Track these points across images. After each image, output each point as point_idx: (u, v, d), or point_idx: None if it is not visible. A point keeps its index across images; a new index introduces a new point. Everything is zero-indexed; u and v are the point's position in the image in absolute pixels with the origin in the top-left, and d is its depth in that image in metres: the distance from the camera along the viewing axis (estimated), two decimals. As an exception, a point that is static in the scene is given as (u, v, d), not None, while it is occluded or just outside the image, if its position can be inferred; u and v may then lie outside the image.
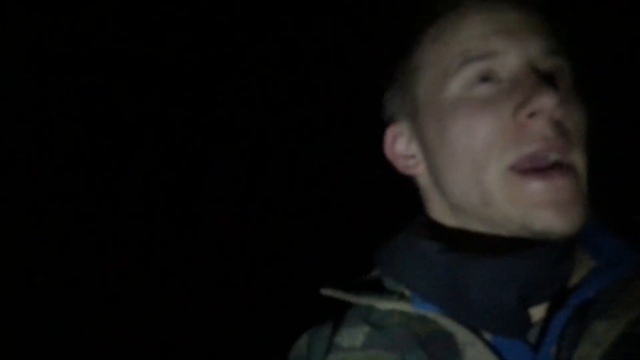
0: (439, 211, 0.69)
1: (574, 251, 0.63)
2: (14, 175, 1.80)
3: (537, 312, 0.61)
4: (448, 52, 0.64)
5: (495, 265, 0.59)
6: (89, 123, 1.87)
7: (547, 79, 0.60)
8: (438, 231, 0.68)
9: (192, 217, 1.83)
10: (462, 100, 0.62)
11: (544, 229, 0.58)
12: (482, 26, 0.63)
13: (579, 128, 0.60)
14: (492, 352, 0.57)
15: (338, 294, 0.69)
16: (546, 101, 0.57)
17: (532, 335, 0.59)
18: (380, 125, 0.76)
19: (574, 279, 0.61)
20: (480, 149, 0.60)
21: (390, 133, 0.73)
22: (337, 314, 0.73)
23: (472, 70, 0.62)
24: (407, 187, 0.74)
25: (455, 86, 0.63)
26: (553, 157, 0.58)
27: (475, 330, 0.60)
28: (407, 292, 0.66)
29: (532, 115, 0.59)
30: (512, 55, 0.61)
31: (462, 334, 0.59)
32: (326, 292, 0.70)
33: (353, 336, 0.67)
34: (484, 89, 0.61)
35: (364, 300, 0.67)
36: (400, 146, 0.72)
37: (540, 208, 0.58)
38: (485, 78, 0.62)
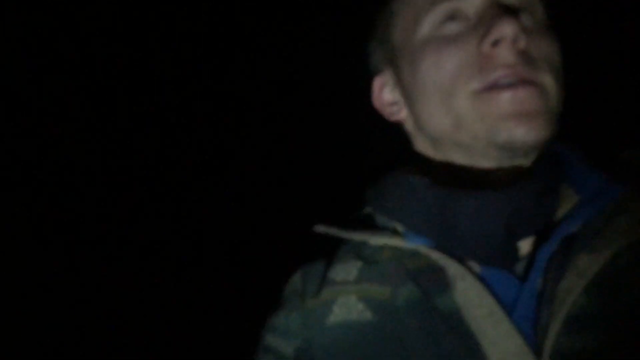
0: (425, 150, 0.72)
1: (558, 185, 0.65)
2: (14, 175, 1.77)
3: (524, 246, 0.63)
4: None
5: (482, 197, 0.61)
6: (89, 122, 1.83)
7: (509, 10, 0.62)
8: (426, 168, 0.70)
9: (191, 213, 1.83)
10: (431, 38, 0.65)
11: (506, 140, 0.61)
12: None
13: (548, 57, 0.63)
14: (481, 284, 0.59)
15: (332, 231, 0.71)
16: (505, 28, 0.60)
17: (520, 268, 0.62)
18: (367, 78, 0.79)
19: (559, 213, 0.63)
20: (448, 80, 0.63)
21: (376, 83, 0.76)
22: (329, 250, 0.75)
23: (440, 11, 0.65)
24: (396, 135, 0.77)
25: (426, 27, 0.66)
26: (515, 80, 0.61)
27: (465, 264, 0.62)
28: (400, 228, 0.68)
29: (495, 44, 0.61)
30: None
31: (452, 268, 0.61)
32: (320, 229, 0.72)
33: (346, 271, 0.69)
34: (452, 27, 0.64)
35: (357, 236, 0.69)
36: (386, 95, 0.75)
37: (504, 119, 0.60)
38: (452, 17, 0.64)
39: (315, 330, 0.67)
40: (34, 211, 1.80)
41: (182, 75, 1.74)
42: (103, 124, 1.82)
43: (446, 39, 0.64)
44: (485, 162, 0.65)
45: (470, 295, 0.59)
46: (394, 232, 0.68)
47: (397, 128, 0.77)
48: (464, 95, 0.63)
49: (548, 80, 0.62)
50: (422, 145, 0.72)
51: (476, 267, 0.62)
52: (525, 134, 0.60)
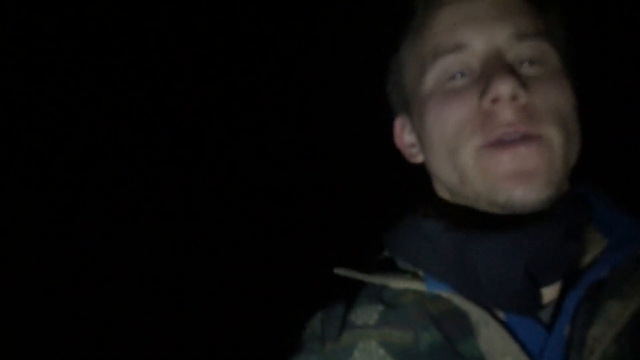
0: (442, 194, 0.71)
1: (583, 229, 0.63)
2: (14, 175, 1.81)
3: (550, 293, 0.61)
4: (424, 47, 0.67)
5: (498, 242, 0.59)
6: (89, 122, 1.87)
7: (507, 66, 0.61)
8: (445, 211, 0.69)
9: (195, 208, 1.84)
10: (436, 91, 0.65)
11: (506, 201, 0.60)
12: (451, 18, 0.65)
13: (555, 108, 0.61)
14: (506, 331, 0.58)
15: (352, 274, 0.70)
16: (501, 88, 0.59)
17: (546, 315, 0.60)
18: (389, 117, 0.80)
19: (587, 258, 0.62)
20: (452, 136, 0.63)
21: (397, 124, 0.77)
22: (349, 294, 0.74)
23: (443, 64, 0.64)
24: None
25: (430, 79, 0.66)
26: (518, 137, 0.60)
27: (489, 310, 0.60)
28: (420, 272, 0.67)
29: (495, 101, 0.60)
30: (478, 44, 0.63)
31: (475, 313, 0.60)
32: (340, 271, 0.71)
33: (367, 314, 0.67)
34: (456, 81, 0.64)
35: (378, 280, 0.68)
36: (406, 137, 0.75)
37: (503, 180, 0.60)
38: (457, 70, 0.64)
39: None
40: (34, 211, 1.82)
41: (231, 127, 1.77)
42: (103, 122, 1.84)
43: (450, 93, 0.64)
44: (499, 210, 0.63)
45: (495, 342, 0.57)
46: (415, 276, 0.67)
47: (418, 168, 0.77)
48: (467, 151, 0.62)
49: (553, 132, 0.60)
50: (439, 189, 0.72)
51: (500, 312, 0.61)
52: (524, 195, 0.59)
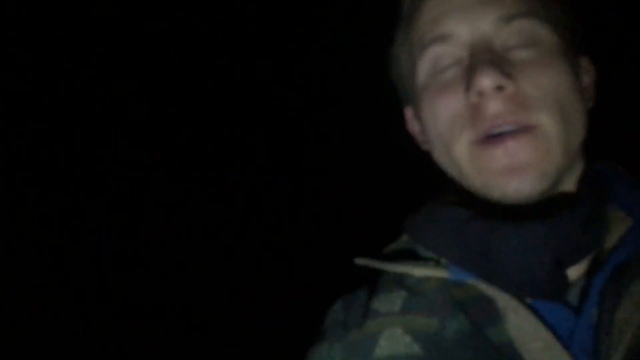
0: (455, 182, 0.70)
1: (605, 209, 0.63)
2: (13, 174, 1.80)
3: (574, 273, 0.61)
4: (413, 39, 0.66)
5: (523, 231, 0.58)
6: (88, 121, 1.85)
7: (491, 55, 0.60)
8: (467, 199, 0.68)
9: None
10: (428, 85, 0.65)
11: (500, 196, 0.60)
12: (437, 8, 0.64)
13: (548, 92, 0.60)
14: (535, 316, 0.57)
15: (373, 263, 0.69)
16: (482, 81, 0.58)
17: (572, 298, 0.60)
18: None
19: (612, 239, 0.62)
20: (445, 131, 0.63)
21: (407, 111, 0.76)
22: (369, 281, 0.73)
23: (430, 55, 0.64)
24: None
25: (422, 72, 0.65)
26: (508, 128, 0.59)
27: (515, 296, 0.60)
28: (443, 260, 0.66)
29: (480, 94, 0.59)
30: (463, 33, 0.62)
31: (502, 299, 0.60)
32: (361, 261, 0.70)
33: (390, 301, 0.67)
34: (446, 73, 0.63)
35: (400, 269, 0.67)
36: (415, 124, 0.75)
37: (496, 175, 0.60)
38: (447, 63, 0.63)
39: None
40: (34, 211, 1.81)
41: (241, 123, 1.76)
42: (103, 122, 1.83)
43: (440, 86, 0.63)
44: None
45: (524, 327, 0.57)
46: (437, 263, 0.66)
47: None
48: (461, 147, 0.62)
49: (546, 119, 0.59)
50: (451, 177, 0.71)
51: (526, 298, 0.61)
52: (516, 189, 0.59)
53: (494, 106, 0.59)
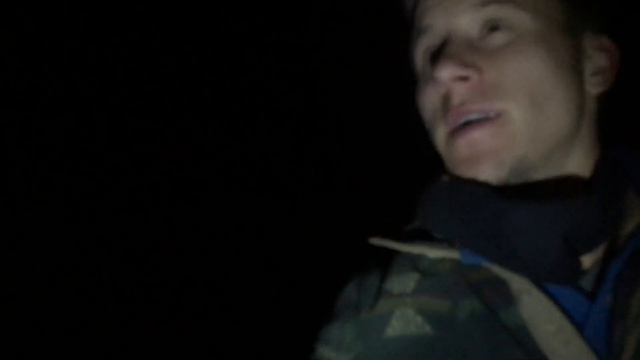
0: None
1: (622, 196, 0.62)
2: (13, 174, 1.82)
3: (589, 259, 0.61)
4: (412, 29, 0.68)
5: (534, 211, 0.58)
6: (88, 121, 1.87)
7: (454, 47, 0.61)
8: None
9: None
10: (420, 76, 0.67)
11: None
12: (424, 2, 0.65)
13: (517, 79, 0.60)
14: (549, 299, 0.57)
15: (388, 243, 0.69)
16: (439, 74, 0.60)
17: (587, 284, 0.60)
18: None
19: (630, 226, 0.61)
20: (429, 122, 0.66)
21: None
22: (381, 263, 0.73)
23: (419, 47, 0.66)
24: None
25: (417, 65, 0.67)
26: (474, 117, 0.60)
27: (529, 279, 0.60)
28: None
29: (441, 85, 0.61)
30: (440, 24, 0.63)
31: (516, 282, 0.60)
32: (375, 241, 0.70)
33: (403, 283, 0.67)
34: (428, 66, 0.64)
35: (415, 249, 0.67)
36: None
37: (460, 164, 0.62)
38: (432, 52, 0.64)
39: (371, 344, 0.66)
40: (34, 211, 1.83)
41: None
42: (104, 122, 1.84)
43: (423, 78, 0.66)
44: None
45: (538, 310, 0.57)
46: (451, 244, 0.66)
47: None
48: (440, 138, 0.64)
49: (513, 106, 0.59)
50: None
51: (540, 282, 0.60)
52: (483, 178, 0.60)
53: (457, 96, 0.61)
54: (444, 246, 0.66)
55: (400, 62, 0.71)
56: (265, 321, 1.55)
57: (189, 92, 1.87)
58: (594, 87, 0.65)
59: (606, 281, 0.58)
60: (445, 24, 0.63)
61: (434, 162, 0.69)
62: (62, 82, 1.82)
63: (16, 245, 1.80)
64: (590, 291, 0.59)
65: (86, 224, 1.86)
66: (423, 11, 0.65)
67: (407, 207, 0.75)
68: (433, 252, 0.66)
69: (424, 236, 0.70)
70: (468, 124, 0.60)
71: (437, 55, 0.62)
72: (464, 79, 0.60)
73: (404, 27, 0.73)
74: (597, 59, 0.65)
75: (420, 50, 0.66)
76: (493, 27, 0.61)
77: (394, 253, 0.72)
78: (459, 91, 0.60)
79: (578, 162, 0.64)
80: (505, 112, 0.59)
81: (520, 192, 0.63)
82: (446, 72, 0.60)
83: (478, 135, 0.60)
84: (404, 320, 0.64)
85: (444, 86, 0.61)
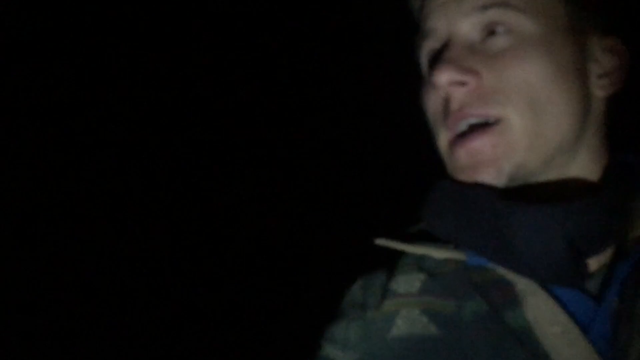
0: None
1: (631, 200, 0.62)
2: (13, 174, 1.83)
3: (595, 262, 0.61)
4: (418, 32, 0.68)
5: (536, 213, 0.58)
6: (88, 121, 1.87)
7: (453, 51, 0.61)
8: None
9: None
10: (425, 78, 0.66)
11: None
12: (428, 5, 0.65)
13: (514, 83, 0.59)
14: (554, 301, 0.57)
15: (393, 244, 0.70)
16: (436, 79, 0.60)
17: (593, 287, 0.60)
18: None
19: (638, 230, 0.61)
20: (432, 126, 0.66)
21: None
22: (387, 263, 0.74)
23: (422, 51, 0.66)
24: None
25: (423, 66, 0.67)
26: (472, 121, 0.60)
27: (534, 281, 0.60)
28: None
29: (440, 89, 0.61)
30: (441, 27, 0.63)
31: (521, 283, 0.60)
32: (381, 242, 0.71)
33: (409, 283, 0.67)
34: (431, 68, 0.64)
35: (420, 250, 0.68)
36: None
37: (462, 173, 0.62)
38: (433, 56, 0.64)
39: (376, 343, 0.66)
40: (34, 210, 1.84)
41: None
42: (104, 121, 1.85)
43: (426, 82, 0.65)
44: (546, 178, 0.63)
45: (543, 312, 0.57)
46: (456, 245, 0.66)
47: None
48: (443, 142, 0.64)
49: (511, 111, 0.59)
50: None
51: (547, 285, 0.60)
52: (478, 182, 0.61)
53: (456, 100, 0.61)
54: (450, 247, 0.66)
55: (407, 63, 0.71)
56: (273, 321, 1.56)
57: (189, 92, 1.88)
58: (601, 90, 0.64)
59: (612, 284, 0.57)
60: (446, 28, 0.63)
61: (439, 164, 0.69)
62: (62, 82, 1.83)
63: (16, 245, 1.82)
64: (597, 294, 0.59)
65: (86, 224, 1.87)
66: (426, 14, 0.65)
67: (412, 208, 0.75)
68: (439, 253, 0.67)
69: (429, 237, 0.71)
70: (468, 131, 0.60)
71: (436, 59, 0.62)
72: (462, 83, 0.60)
73: (413, 28, 0.73)
74: (604, 61, 0.64)
75: (424, 53, 0.66)
76: (494, 30, 0.61)
77: (399, 254, 0.72)
78: (458, 96, 0.60)
79: (584, 165, 0.63)
80: (505, 118, 0.59)
81: (523, 195, 0.63)
82: (443, 77, 0.60)
83: (478, 145, 0.60)
84: (409, 320, 0.64)
85: (443, 90, 0.61)
